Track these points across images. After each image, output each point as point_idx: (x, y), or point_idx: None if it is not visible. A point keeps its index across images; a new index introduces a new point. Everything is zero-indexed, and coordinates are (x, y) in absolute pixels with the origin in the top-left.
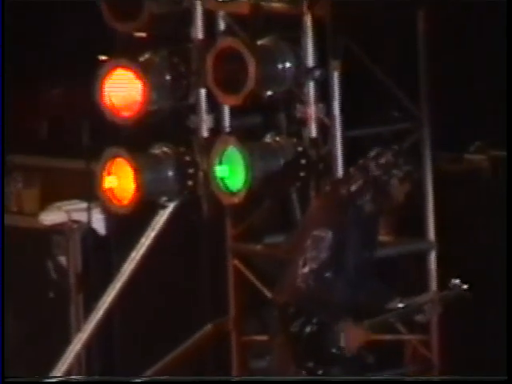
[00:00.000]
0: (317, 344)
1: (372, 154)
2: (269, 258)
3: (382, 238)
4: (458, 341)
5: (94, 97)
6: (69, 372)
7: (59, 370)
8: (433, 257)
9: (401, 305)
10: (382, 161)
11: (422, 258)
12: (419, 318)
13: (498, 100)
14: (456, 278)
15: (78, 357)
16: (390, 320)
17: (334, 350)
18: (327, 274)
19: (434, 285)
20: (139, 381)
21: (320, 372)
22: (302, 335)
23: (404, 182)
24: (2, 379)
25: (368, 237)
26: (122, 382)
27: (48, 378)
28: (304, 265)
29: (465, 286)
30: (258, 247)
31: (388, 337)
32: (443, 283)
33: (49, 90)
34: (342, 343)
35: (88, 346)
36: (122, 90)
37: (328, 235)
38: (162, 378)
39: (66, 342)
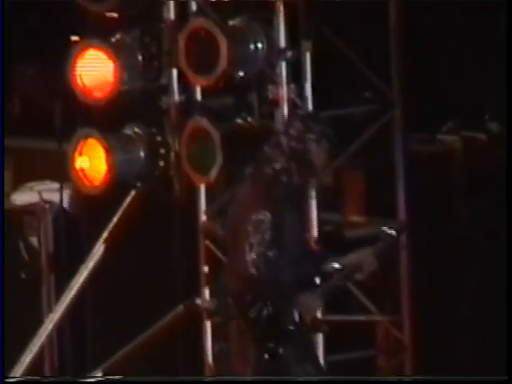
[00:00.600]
0: (275, 324)
1: (281, 128)
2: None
3: (353, 218)
4: (430, 321)
5: (65, 77)
6: (41, 352)
7: (31, 351)
8: (404, 237)
9: (337, 266)
10: (293, 131)
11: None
12: (358, 276)
13: (469, 80)
14: (389, 228)
15: (49, 337)
16: (337, 283)
17: (291, 327)
18: (270, 254)
19: (404, 265)
20: (139, 380)
21: (280, 350)
22: (261, 319)
23: (320, 142)
24: (1, 379)
25: (303, 210)
26: (122, 381)
27: (48, 378)
28: (250, 250)
29: (393, 233)
30: None
31: (360, 318)
32: (415, 264)
33: (21, 71)
34: (297, 319)
35: (60, 327)
36: (94, 70)
37: (267, 217)
38: (161, 378)
39: (37, 322)
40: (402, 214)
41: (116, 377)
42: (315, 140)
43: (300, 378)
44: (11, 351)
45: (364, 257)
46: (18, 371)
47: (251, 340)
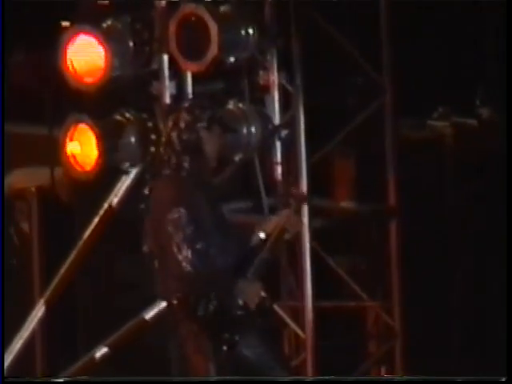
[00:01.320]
0: (224, 315)
1: (169, 123)
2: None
3: (344, 204)
4: (421, 307)
5: (56, 63)
6: (32, 337)
7: (21, 337)
8: (394, 223)
9: (263, 235)
10: (182, 124)
11: (383, 224)
12: (287, 235)
13: (460, 66)
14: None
15: (41, 322)
16: (267, 256)
17: (239, 313)
18: (198, 246)
19: (394, 251)
20: (139, 380)
21: (237, 338)
22: (209, 315)
23: (211, 128)
24: (1, 379)
25: (214, 194)
26: (122, 382)
27: (48, 378)
28: (179, 249)
29: (304, 193)
30: None
31: (351, 304)
32: (405, 249)
33: (11, 57)
34: (242, 303)
35: (51, 312)
36: (85, 56)
37: (181, 212)
38: (161, 378)
39: (28, 307)
40: (392, 199)
41: (117, 379)
42: (206, 127)
43: (300, 378)
44: (3, 336)
45: (285, 218)
46: (9, 357)
47: (206, 338)
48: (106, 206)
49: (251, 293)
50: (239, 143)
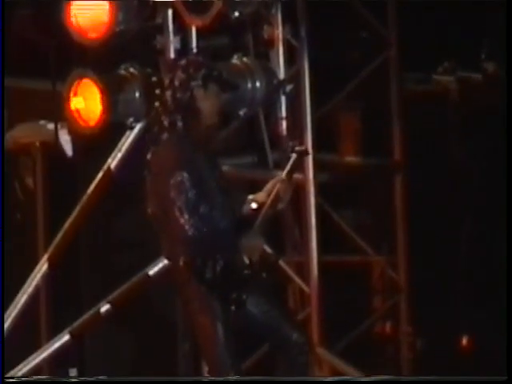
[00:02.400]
0: (230, 275)
1: (166, 83)
2: (236, 179)
3: (349, 159)
4: (425, 262)
5: (60, 18)
6: (36, 293)
7: (25, 292)
8: (399, 177)
9: (255, 206)
10: (177, 83)
11: (388, 178)
12: (280, 205)
13: (466, 20)
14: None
15: (44, 278)
16: (268, 218)
17: (246, 271)
18: (201, 209)
19: (399, 205)
20: (139, 381)
21: (244, 297)
22: (216, 276)
23: (206, 86)
24: (1, 379)
25: (213, 155)
26: (122, 381)
27: (48, 377)
28: (181, 213)
29: (303, 148)
30: (225, 168)
31: (356, 258)
32: (410, 204)
33: (15, 10)
34: (248, 261)
35: (54, 267)
36: (89, 10)
37: (184, 176)
38: (161, 378)
39: (33, 262)
40: (397, 153)
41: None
42: (201, 86)
43: (301, 378)
44: (7, 292)
45: (276, 185)
46: (13, 312)
47: (214, 299)
48: (109, 161)
49: (253, 247)
50: (244, 98)
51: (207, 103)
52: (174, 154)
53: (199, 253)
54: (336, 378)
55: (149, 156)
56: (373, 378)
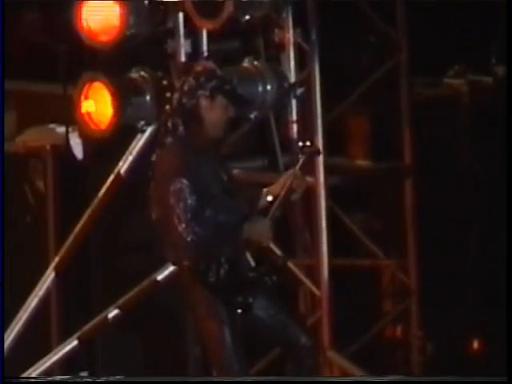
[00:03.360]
0: (235, 279)
1: (178, 83)
2: (246, 183)
3: (359, 162)
4: (436, 265)
5: (71, 21)
6: (47, 296)
7: (36, 295)
8: (409, 181)
9: (270, 198)
10: (186, 87)
11: (398, 182)
12: (294, 196)
13: (476, 24)
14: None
15: (55, 281)
16: (277, 214)
17: (251, 274)
18: (207, 214)
19: (410, 209)
20: (139, 380)
21: (250, 300)
22: (221, 280)
23: (214, 98)
24: (2, 379)
25: (215, 159)
26: (122, 381)
27: (48, 378)
28: (179, 221)
29: (308, 143)
30: (236, 171)
31: (366, 262)
32: (420, 207)
33: (26, 15)
34: (253, 264)
35: (65, 270)
36: (100, 14)
37: (183, 182)
38: (161, 378)
39: (43, 265)
40: (407, 157)
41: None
42: (208, 96)
43: (300, 378)
44: (18, 295)
45: (290, 179)
46: (24, 315)
47: (219, 302)
48: (120, 164)
49: (261, 229)
50: (255, 101)
51: (212, 114)
52: (175, 159)
53: (202, 257)
54: (341, 379)
55: (153, 158)
56: (373, 379)
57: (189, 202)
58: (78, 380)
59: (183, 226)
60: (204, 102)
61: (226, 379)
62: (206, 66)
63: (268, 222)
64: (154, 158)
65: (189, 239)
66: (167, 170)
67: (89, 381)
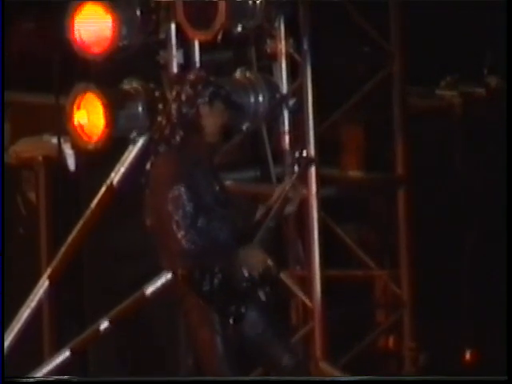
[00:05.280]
0: (229, 288)
1: (172, 95)
2: (238, 194)
3: (352, 173)
4: (429, 276)
5: (63, 32)
6: (39, 307)
7: (29, 306)
8: (402, 192)
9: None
10: (183, 97)
11: (391, 193)
12: (288, 209)
13: (468, 35)
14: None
15: (47, 292)
16: (271, 225)
17: (244, 284)
18: (199, 223)
19: (402, 220)
20: (139, 380)
21: (243, 310)
22: (214, 289)
23: (212, 104)
24: (2, 379)
25: (212, 167)
26: (122, 381)
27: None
28: (178, 227)
29: (303, 153)
30: (228, 182)
31: (358, 273)
32: (413, 218)
33: (19, 25)
34: (247, 274)
35: (57, 281)
36: (92, 25)
37: (181, 189)
38: (161, 378)
39: (35, 276)
40: (400, 168)
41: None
42: (207, 103)
43: (301, 378)
44: (10, 306)
45: (285, 189)
46: (16, 326)
47: (212, 311)
48: (112, 175)
49: (253, 260)
50: (247, 112)
51: (211, 121)
52: (171, 167)
53: (197, 266)
54: (337, 378)
55: (148, 166)
56: (373, 378)
57: (187, 208)
58: (78, 380)
59: (182, 233)
60: (204, 110)
61: (225, 379)
62: (200, 74)
63: (262, 253)
64: (148, 166)
65: (186, 247)
66: (164, 177)
67: (88, 381)
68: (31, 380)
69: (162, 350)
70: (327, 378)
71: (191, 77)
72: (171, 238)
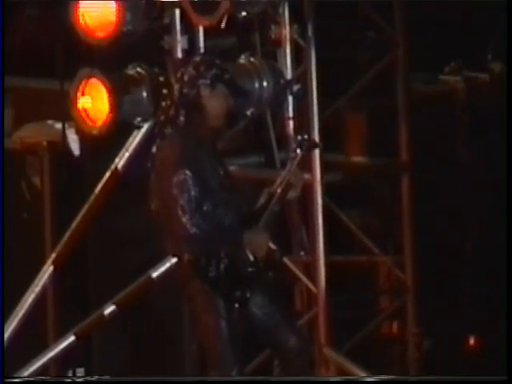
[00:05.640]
0: (234, 273)
1: (178, 74)
2: (242, 180)
3: (356, 159)
4: (432, 261)
5: (67, 17)
6: (43, 292)
7: (33, 291)
8: (406, 177)
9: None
10: (186, 77)
11: (395, 179)
12: (291, 194)
13: (472, 20)
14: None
15: (52, 277)
16: (275, 209)
17: (250, 269)
18: (205, 208)
19: (406, 205)
20: (139, 380)
21: (248, 295)
22: (220, 275)
23: (214, 87)
24: (1, 379)
25: (216, 151)
26: (122, 381)
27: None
28: (183, 212)
29: (305, 136)
30: (232, 168)
31: (362, 258)
32: (417, 204)
33: (23, 11)
34: (252, 258)
35: (62, 266)
36: (96, 10)
37: (186, 174)
38: (161, 378)
39: (40, 262)
40: (404, 154)
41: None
42: (209, 85)
43: (301, 378)
44: (14, 291)
45: (288, 174)
46: (21, 311)
47: (217, 296)
48: (117, 160)
49: (258, 243)
50: (251, 98)
51: (213, 103)
52: (177, 151)
53: (203, 251)
54: (335, 378)
55: (153, 149)
56: (374, 378)
57: (192, 193)
58: (78, 380)
59: (187, 217)
60: (205, 91)
61: (224, 379)
62: (205, 57)
63: (267, 236)
64: (154, 149)
65: (192, 231)
66: (169, 160)
67: (88, 380)
68: (31, 380)
69: (167, 335)
70: (323, 378)
71: (196, 59)
72: (176, 222)
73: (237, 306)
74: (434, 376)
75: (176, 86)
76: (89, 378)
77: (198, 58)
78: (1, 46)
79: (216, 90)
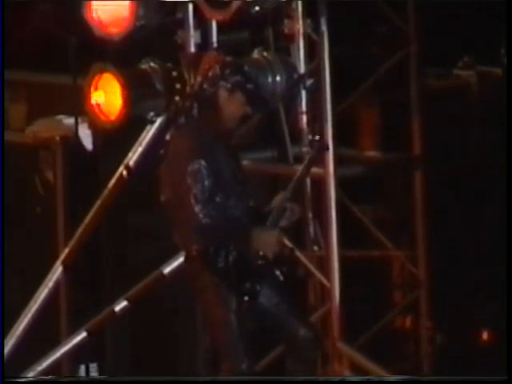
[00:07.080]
0: (244, 266)
1: (205, 66)
2: (255, 174)
3: (369, 153)
4: (445, 256)
5: (81, 12)
6: (56, 287)
7: (46, 286)
8: (419, 172)
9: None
10: (210, 73)
11: (408, 173)
12: (283, 222)
13: (486, 15)
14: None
15: (64, 272)
16: (285, 206)
17: (260, 262)
18: (218, 199)
19: (419, 200)
20: (139, 380)
21: (258, 287)
22: (229, 266)
23: (233, 92)
24: (1, 379)
25: (227, 146)
26: (122, 381)
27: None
28: (196, 201)
29: (317, 137)
30: (246, 162)
31: (376, 253)
32: (430, 198)
33: (36, 5)
34: (262, 252)
35: (74, 261)
36: (110, 5)
37: (202, 164)
38: (161, 378)
39: (53, 257)
40: (417, 148)
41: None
42: (229, 89)
43: (300, 378)
44: (27, 286)
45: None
46: (34, 306)
47: (227, 289)
48: (130, 155)
49: (267, 241)
50: (264, 92)
51: (229, 107)
52: (192, 141)
53: (212, 242)
54: (337, 379)
55: (167, 137)
56: (376, 378)
57: (206, 183)
58: (78, 380)
59: (199, 207)
60: (223, 93)
61: (223, 379)
62: (234, 61)
63: (276, 234)
64: (167, 137)
65: (204, 221)
66: (184, 149)
67: (88, 380)
68: (31, 380)
69: (180, 329)
70: (327, 378)
71: (227, 59)
72: (188, 211)
73: (246, 298)
74: (439, 376)
75: (198, 79)
76: (89, 378)
77: (228, 59)
78: (1, 46)
79: (233, 96)
